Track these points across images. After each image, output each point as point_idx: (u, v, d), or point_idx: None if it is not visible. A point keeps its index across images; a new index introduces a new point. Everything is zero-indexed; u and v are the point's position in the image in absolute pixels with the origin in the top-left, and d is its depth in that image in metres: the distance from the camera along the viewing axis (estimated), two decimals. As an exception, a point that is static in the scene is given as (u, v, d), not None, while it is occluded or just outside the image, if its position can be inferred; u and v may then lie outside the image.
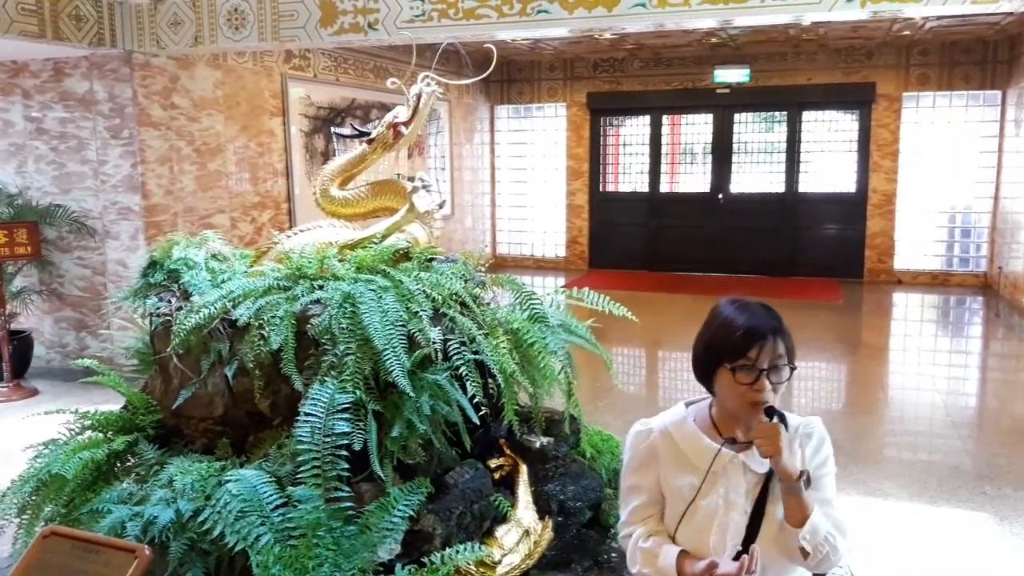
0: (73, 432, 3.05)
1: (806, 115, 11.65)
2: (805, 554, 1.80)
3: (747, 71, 11.45)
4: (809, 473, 1.84)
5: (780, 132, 11.93)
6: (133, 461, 2.97)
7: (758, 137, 12.12)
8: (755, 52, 11.32)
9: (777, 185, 11.91)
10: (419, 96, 3.00)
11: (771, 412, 1.84)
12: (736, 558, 1.85)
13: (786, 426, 1.89)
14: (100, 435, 3.02)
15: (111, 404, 3.27)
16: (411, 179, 3.14)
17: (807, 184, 11.79)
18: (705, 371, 1.93)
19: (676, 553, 1.90)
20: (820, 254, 11.68)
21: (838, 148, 11.62)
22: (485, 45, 3.72)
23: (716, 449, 1.91)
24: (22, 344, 6.64)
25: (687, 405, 2.07)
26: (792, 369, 1.88)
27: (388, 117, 3.06)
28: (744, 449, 1.93)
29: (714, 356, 1.89)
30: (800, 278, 11.57)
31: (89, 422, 3.05)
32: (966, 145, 10.85)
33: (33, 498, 2.88)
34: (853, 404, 6.45)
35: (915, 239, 11.30)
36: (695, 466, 1.94)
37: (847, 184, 11.57)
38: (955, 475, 4.71)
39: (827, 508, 1.87)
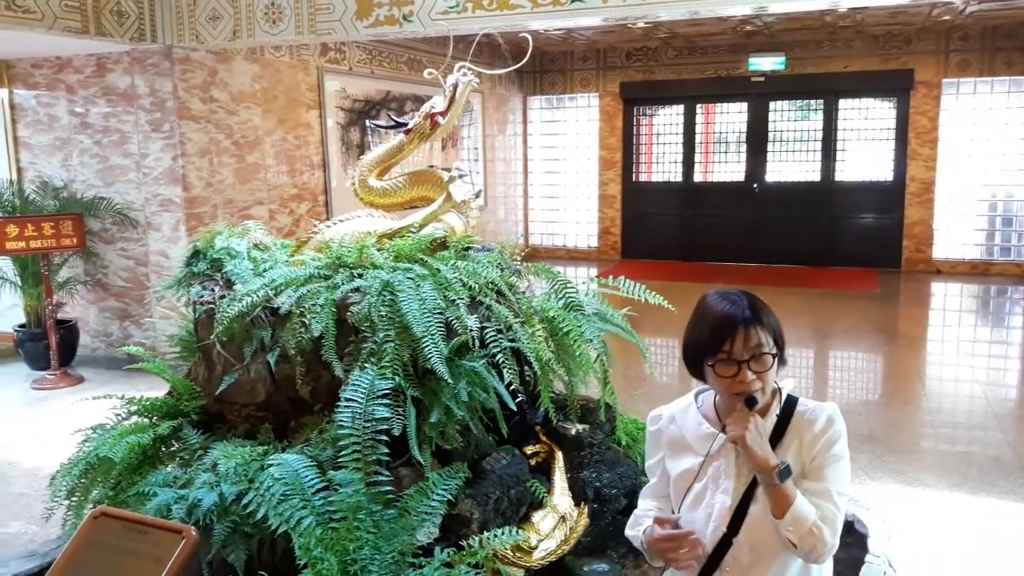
0: (120, 417, 3.13)
1: (843, 103, 11.49)
2: (794, 544, 1.79)
3: (782, 59, 11.32)
4: (787, 466, 1.80)
5: (816, 120, 11.79)
6: (178, 446, 3.04)
7: (793, 125, 11.99)
8: (790, 40, 11.18)
9: (813, 174, 11.77)
10: (455, 86, 3.02)
11: (751, 402, 1.83)
12: (720, 541, 1.88)
13: (792, 412, 1.90)
14: (146, 420, 3.10)
15: (155, 391, 3.35)
16: (447, 170, 3.17)
17: (844, 173, 11.64)
18: (694, 366, 1.94)
19: (651, 521, 1.95)
20: (857, 243, 11.53)
21: (875, 136, 11.45)
22: (520, 35, 3.73)
23: (714, 434, 1.93)
24: (68, 333, 6.81)
25: (697, 394, 2.08)
26: (774, 356, 1.85)
27: (425, 107, 3.09)
28: None
29: (696, 352, 1.90)
30: (837, 268, 11.44)
31: (135, 408, 3.12)
32: (1008, 132, 10.63)
33: (82, 481, 2.97)
34: (890, 394, 6.37)
35: (954, 228, 11.11)
36: (696, 451, 1.97)
37: (885, 173, 11.40)
38: (996, 466, 4.65)
39: (822, 500, 1.82)
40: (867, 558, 3.04)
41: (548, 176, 13.13)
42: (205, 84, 6.69)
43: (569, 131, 12.92)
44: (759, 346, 1.83)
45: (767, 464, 1.80)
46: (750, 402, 1.83)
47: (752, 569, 1.88)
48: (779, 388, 1.95)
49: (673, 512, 2.00)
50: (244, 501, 2.52)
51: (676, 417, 2.06)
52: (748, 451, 1.81)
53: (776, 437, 1.89)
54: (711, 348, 1.85)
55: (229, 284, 3.02)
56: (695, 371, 1.95)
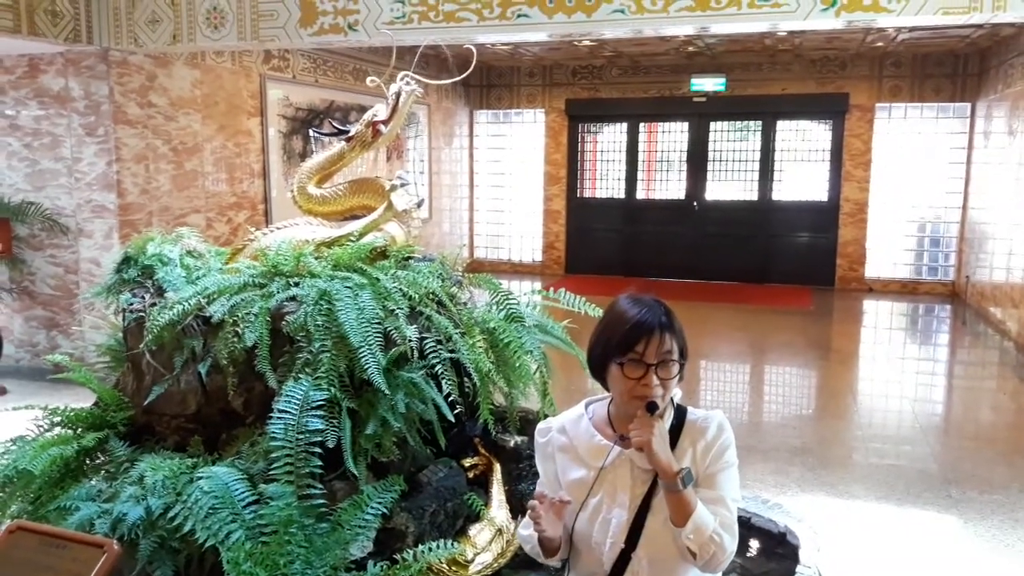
0: (42, 428, 2.99)
1: (780, 124, 11.79)
2: (693, 553, 1.78)
3: (723, 80, 11.57)
4: (689, 471, 1.80)
5: (755, 141, 12.07)
6: (103, 458, 2.93)
7: (733, 146, 12.24)
8: (731, 62, 11.44)
9: (751, 193, 12.04)
10: (399, 95, 3.00)
11: (652, 407, 1.82)
12: (619, 557, 1.86)
13: (683, 421, 1.91)
14: (70, 432, 2.97)
15: (81, 402, 3.23)
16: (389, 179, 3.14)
17: (780, 193, 11.94)
18: (598, 366, 1.93)
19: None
20: (792, 262, 11.81)
21: (811, 157, 11.78)
22: (465, 46, 3.74)
23: (608, 446, 1.91)
24: (-9, 342, 6.55)
25: (588, 404, 2.06)
26: (681, 365, 1.86)
27: (367, 115, 3.06)
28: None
29: (605, 351, 1.89)
30: (773, 285, 11.70)
31: (59, 418, 3.00)
32: (936, 156, 11.04)
33: (-1, 495, 2.84)
34: (823, 409, 6.52)
35: (886, 248, 11.47)
36: (588, 464, 1.95)
37: (820, 193, 11.72)
38: (922, 479, 4.79)
39: (718, 507, 1.82)
40: (798, 569, 3.08)
41: (494, 190, 13.17)
42: (143, 88, 6.53)
43: (515, 146, 12.98)
44: (669, 352, 1.84)
45: (670, 469, 1.78)
46: (651, 407, 1.82)
47: None
48: (671, 398, 1.97)
49: (566, 527, 1.94)
50: (171, 515, 2.43)
51: (567, 428, 2.03)
52: (653, 457, 1.79)
53: (670, 446, 1.89)
54: (622, 348, 1.85)
55: (160, 291, 2.93)
56: (598, 372, 1.94)
